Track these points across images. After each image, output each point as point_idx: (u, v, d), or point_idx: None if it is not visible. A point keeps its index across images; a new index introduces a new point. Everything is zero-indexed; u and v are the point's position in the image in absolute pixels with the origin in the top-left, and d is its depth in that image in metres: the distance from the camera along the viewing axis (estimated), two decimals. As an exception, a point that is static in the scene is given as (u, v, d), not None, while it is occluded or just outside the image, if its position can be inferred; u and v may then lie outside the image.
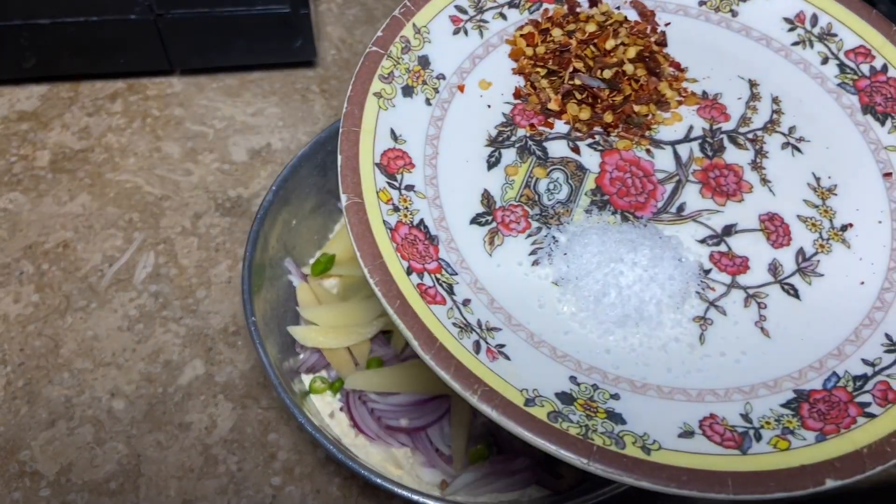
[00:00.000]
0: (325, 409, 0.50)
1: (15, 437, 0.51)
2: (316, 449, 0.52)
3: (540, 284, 0.38)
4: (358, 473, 0.41)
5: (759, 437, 0.34)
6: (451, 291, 0.36)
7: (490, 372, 0.33)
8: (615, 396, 0.35)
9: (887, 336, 0.37)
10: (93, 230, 0.61)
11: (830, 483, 0.32)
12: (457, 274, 0.37)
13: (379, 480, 0.41)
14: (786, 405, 0.35)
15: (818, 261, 0.40)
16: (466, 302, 0.36)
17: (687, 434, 0.34)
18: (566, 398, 0.34)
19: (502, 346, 0.35)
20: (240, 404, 0.53)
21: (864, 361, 0.37)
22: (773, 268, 0.40)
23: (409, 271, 0.35)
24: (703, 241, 0.40)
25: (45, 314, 0.56)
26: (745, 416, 0.35)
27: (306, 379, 0.51)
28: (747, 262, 0.40)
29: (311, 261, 0.55)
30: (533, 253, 0.39)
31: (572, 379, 0.35)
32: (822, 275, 0.39)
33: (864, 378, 0.36)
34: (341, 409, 0.50)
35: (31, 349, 0.55)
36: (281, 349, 0.49)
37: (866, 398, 0.35)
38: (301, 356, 0.51)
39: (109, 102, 0.68)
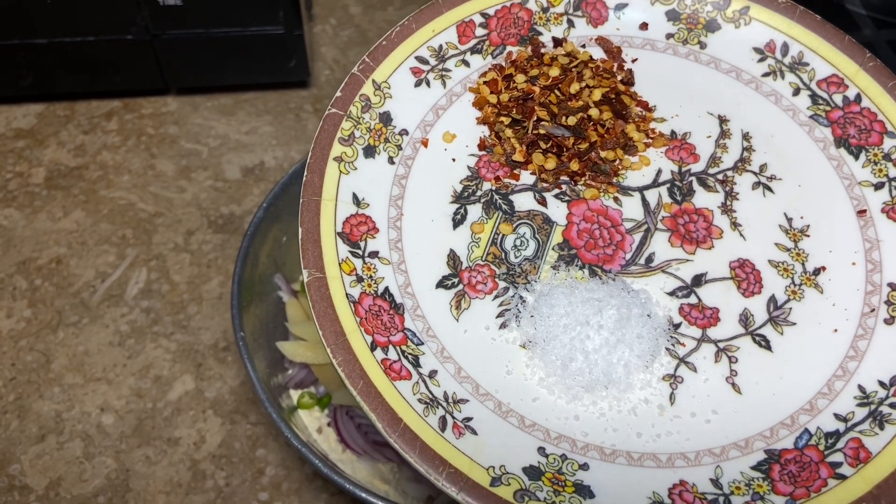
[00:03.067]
0: (313, 425, 0.50)
1: (5, 451, 0.51)
2: (303, 464, 0.52)
3: (507, 349, 0.37)
4: (344, 489, 0.42)
5: None
6: (416, 364, 0.35)
7: (455, 451, 0.33)
8: (584, 466, 0.34)
9: (860, 388, 0.36)
10: (86, 246, 0.61)
11: None
12: (423, 343, 0.36)
13: (365, 495, 0.41)
14: (756, 467, 0.35)
15: (790, 308, 0.38)
16: (433, 374, 0.35)
17: None
18: (534, 473, 0.33)
19: (469, 419, 0.35)
20: (229, 420, 0.53)
21: (837, 416, 0.36)
22: (745, 318, 0.38)
23: (373, 346, 0.35)
24: (672, 294, 0.39)
25: (36, 329, 0.57)
26: (715, 482, 0.34)
27: (294, 394, 0.51)
28: (717, 314, 0.38)
29: (301, 277, 0.56)
30: (500, 315, 0.38)
31: (541, 450, 0.34)
32: (794, 323, 0.38)
33: (837, 435, 0.35)
34: (329, 425, 0.50)
35: (23, 364, 0.55)
36: (270, 364, 0.49)
37: (838, 457, 0.34)
38: (290, 371, 0.52)
39: (105, 121, 0.69)
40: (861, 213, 0.40)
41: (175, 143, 0.68)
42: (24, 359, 0.55)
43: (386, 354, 0.35)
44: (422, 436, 0.33)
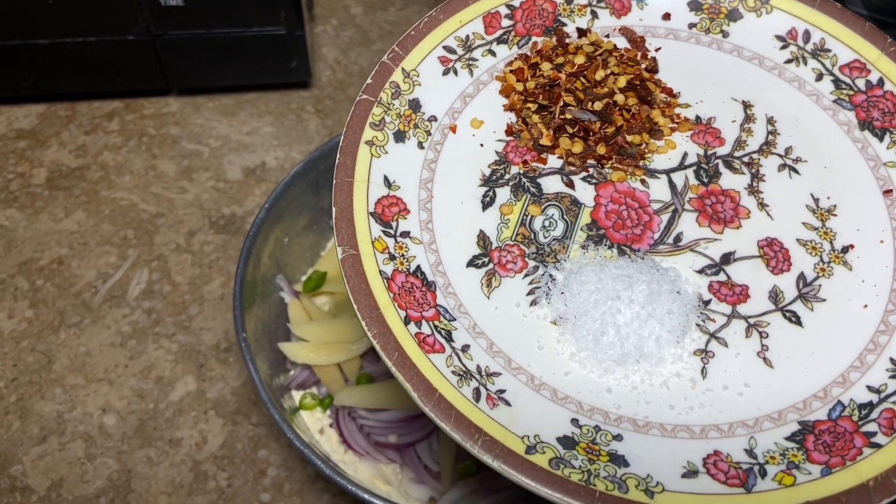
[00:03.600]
0: (315, 426, 0.50)
1: (6, 452, 0.51)
2: (305, 465, 0.52)
3: (538, 325, 0.38)
4: (346, 490, 0.41)
5: (763, 474, 0.33)
6: (449, 338, 0.36)
7: (490, 420, 0.33)
8: (618, 437, 0.34)
9: (892, 361, 0.36)
10: (87, 247, 0.61)
11: None
12: (455, 319, 0.37)
13: (367, 497, 0.41)
14: (791, 438, 0.35)
15: (819, 285, 0.39)
16: (465, 348, 0.36)
17: (691, 473, 0.33)
18: (568, 442, 0.34)
19: (502, 391, 0.35)
20: (230, 420, 0.53)
21: (870, 388, 0.36)
22: (774, 295, 0.39)
23: (406, 321, 0.35)
24: (701, 272, 0.39)
25: (38, 330, 0.57)
26: (750, 452, 0.34)
27: (297, 395, 0.51)
28: (747, 291, 0.39)
29: (303, 278, 0.56)
30: (531, 293, 0.38)
31: (574, 421, 0.35)
32: (823, 299, 0.38)
33: (870, 406, 0.35)
34: (331, 426, 0.50)
35: (24, 365, 0.55)
36: (272, 365, 0.49)
37: (872, 427, 0.35)
38: (292, 372, 0.52)
39: (106, 121, 0.69)
40: (887, 192, 0.41)
41: (176, 144, 0.68)
42: (26, 359, 0.55)
43: (419, 329, 0.35)
44: (456, 405, 0.33)
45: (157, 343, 0.57)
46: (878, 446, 0.34)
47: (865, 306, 0.38)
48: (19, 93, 0.68)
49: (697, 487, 0.33)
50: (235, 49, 0.66)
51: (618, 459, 0.33)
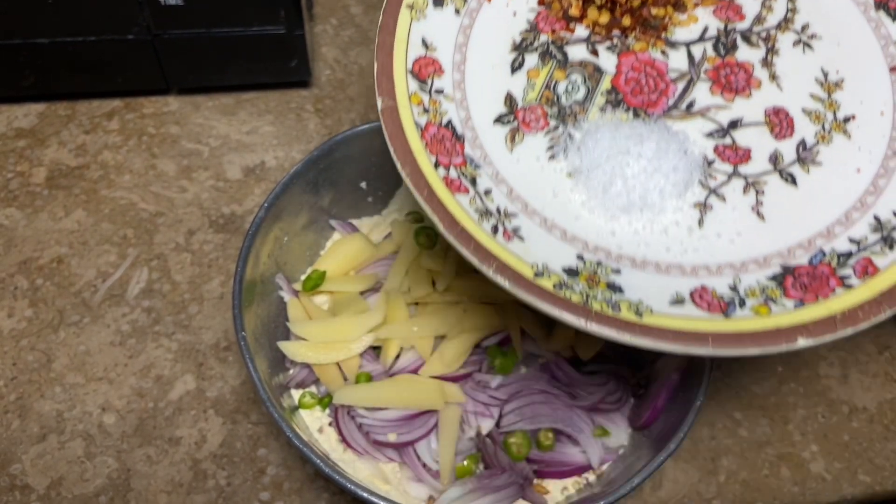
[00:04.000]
0: (315, 425, 0.50)
1: (6, 451, 0.51)
2: (305, 464, 0.52)
3: (555, 177, 0.42)
4: (346, 489, 0.42)
5: (742, 304, 0.37)
6: (474, 183, 0.40)
7: (505, 250, 0.38)
8: (616, 271, 0.39)
9: (876, 218, 0.39)
10: (87, 246, 0.61)
11: (802, 342, 0.35)
12: (480, 167, 0.41)
13: (366, 495, 0.41)
14: (772, 278, 0.38)
15: (818, 151, 0.42)
16: (488, 192, 0.40)
17: (678, 302, 0.37)
18: (572, 272, 0.38)
19: (517, 228, 0.39)
20: (230, 419, 0.53)
21: (851, 240, 0.39)
22: (774, 158, 0.42)
23: (436, 165, 0.39)
24: (709, 135, 0.42)
25: (38, 329, 0.57)
26: (733, 288, 0.38)
27: (296, 394, 0.51)
28: (749, 153, 0.42)
29: (303, 277, 0.56)
30: (550, 148, 0.42)
31: (579, 257, 0.39)
32: (820, 164, 0.41)
33: (849, 255, 0.38)
34: (330, 424, 0.50)
35: (24, 363, 0.55)
36: (271, 364, 0.49)
37: (847, 272, 0.38)
38: (291, 371, 0.52)
39: (106, 120, 0.69)
40: (894, 69, 0.43)
41: (176, 143, 0.68)
42: (26, 358, 0.55)
43: (447, 173, 0.39)
44: (476, 236, 0.37)
45: (157, 342, 0.57)
46: (850, 287, 0.37)
47: (858, 171, 0.41)
48: (19, 92, 0.68)
49: (682, 313, 0.37)
50: (235, 48, 0.66)
51: (614, 287, 0.38)
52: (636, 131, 0.41)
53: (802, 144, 0.42)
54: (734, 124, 0.42)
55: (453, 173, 0.40)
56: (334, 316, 0.52)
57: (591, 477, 0.49)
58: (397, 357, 0.50)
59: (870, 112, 0.42)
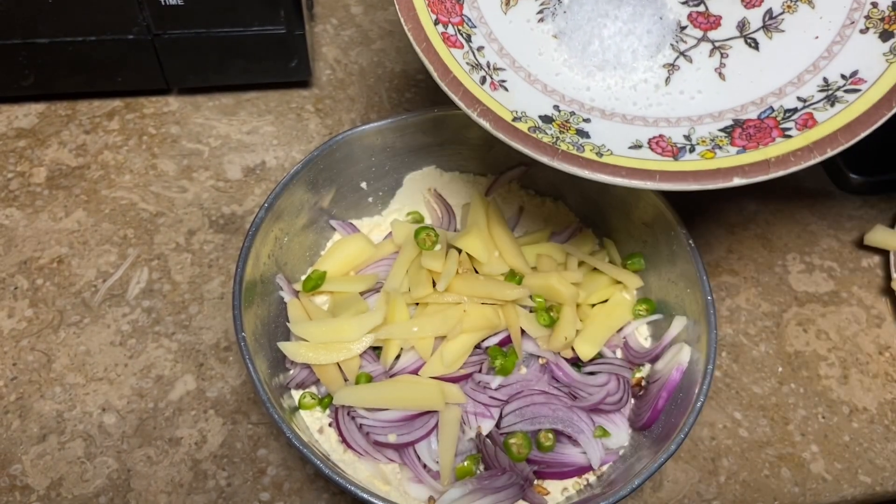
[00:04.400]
0: (315, 425, 0.50)
1: (6, 451, 0.51)
2: (305, 465, 0.52)
3: (542, 37, 0.47)
4: (346, 489, 0.42)
5: (692, 150, 0.42)
6: (468, 39, 0.45)
7: (490, 97, 0.42)
8: (587, 120, 0.44)
9: (825, 79, 0.43)
10: (87, 246, 0.61)
11: (736, 181, 0.39)
12: (475, 27, 0.46)
13: (366, 496, 0.41)
14: (723, 130, 0.43)
15: (783, 19, 0.45)
16: (480, 48, 0.45)
17: (636, 147, 0.42)
18: (547, 119, 0.43)
19: (504, 80, 0.44)
20: (230, 420, 0.53)
21: (799, 98, 0.43)
22: (742, 24, 0.46)
23: (436, 22, 0.44)
24: (685, 3, 0.47)
25: (38, 329, 0.57)
26: (687, 137, 0.43)
27: (296, 394, 0.51)
28: (720, 20, 0.46)
29: (303, 277, 0.56)
30: (540, 12, 0.47)
31: (555, 107, 0.44)
32: (783, 31, 0.45)
33: (794, 111, 0.42)
34: (330, 425, 0.50)
35: (24, 364, 0.55)
36: (271, 365, 0.49)
37: (789, 125, 0.41)
38: (291, 372, 0.52)
39: (106, 120, 0.69)
40: None
41: (176, 143, 0.68)
42: (26, 358, 0.55)
43: (445, 30, 0.44)
44: (465, 84, 0.42)
45: (157, 342, 0.57)
46: (788, 137, 0.41)
47: (816, 38, 0.44)
48: (19, 92, 0.68)
49: (638, 155, 0.41)
50: (235, 48, 0.66)
51: (582, 133, 0.43)
52: None
53: (769, 13, 0.46)
54: None
55: (451, 30, 0.44)
56: (334, 316, 0.52)
57: (591, 478, 0.49)
58: (397, 358, 0.50)
59: None
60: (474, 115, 0.42)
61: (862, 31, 0.43)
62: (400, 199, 0.60)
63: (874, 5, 0.43)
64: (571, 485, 0.49)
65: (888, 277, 0.63)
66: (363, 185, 0.58)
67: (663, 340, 0.51)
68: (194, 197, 0.65)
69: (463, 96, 0.42)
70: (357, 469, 0.48)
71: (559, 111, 0.44)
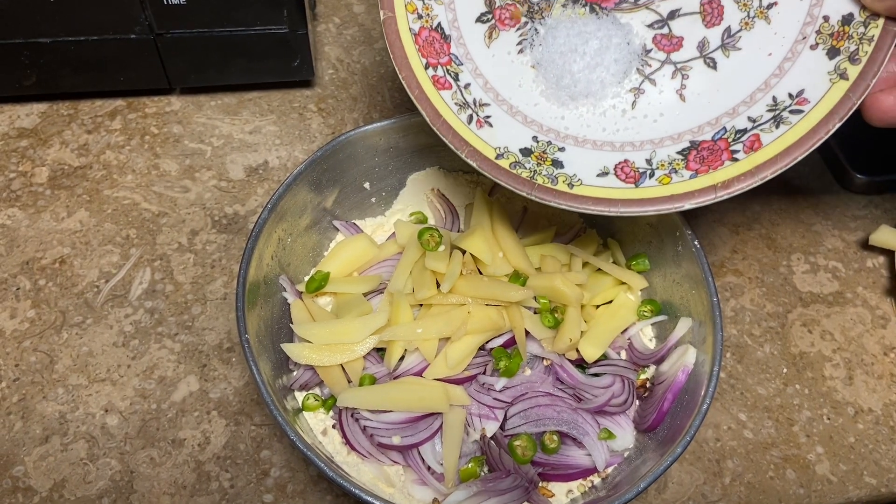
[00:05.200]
0: (318, 427, 0.50)
1: (9, 453, 0.51)
2: (308, 466, 0.52)
3: (521, 68, 0.50)
4: (349, 491, 0.41)
5: (651, 175, 0.45)
6: (456, 78, 0.48)
7: (476, 137, 0.47)
8: (561, 149, 0.47)
9: (774, 98, 0.44)
10: (90, 246, 0.61)
11: (688, 206, 0.43)
12: (462, 64, 0.49)
13: (370, 499, 0.41)
14: (680, 152, 0.46)
15: (740, 36, 0.46)
16: (467, 85, 0.48)
17: (603, 174, 0.46)
18: (526, 152, 0.47)
19: (488, 116, 0.48)
20: (233, 421, 0.53)
21: (749, 118, 0.44)
22: (702, 45, 0.48)
23: (426, 66, 0.47)
24: (650, 26, 0.49)
25: (40, 330, 0.57)
26: (649, 161, 0.46)
27: (299, 396, 0.51)
28: (682, 42, 0.48)
29: (306, 278, 0.56)
30: (519, 43, 0.50)
31: (534, 138, 0.48)
32: (740, 49, 0.46)
33: (744, 131, 0.44)
34: (334, 427, 0.50)
35: (27, 364, 0.55)
36: (274, 366, 0.49)
37: (738, 147, 0.44)
38: (294, 373, 0.51)
39: (109, 120, 0.69)
40: None
41: (179, 143, 0.68)
42: (28, 359, 0.55)
43: (435, 72, 0.48)
44: (454, 126, 0.46)
45: (160, 343, 0.56)
46: (735, 161, 0.43)
47: (770, 54, 0.45)
48: (21, 91, 0.68)
49: (604, 183, 0.45)
50: (238, 48, 0.65)
51: (557, 164, 0.47)
52: (586, 29, 0.48)
53: (727, 31, 0.47)
54: (672, 14, 0.48)
55: (440, 71, 0.48)
56: (338, 318, 0.52)
57: (596, 480, 0.49)
58: (401, 359, 0.50)
59: None
60: (462, 155, 0.46)
61: (812, 48, 0.44)
62: (403, 200, 0.60)
63: (826, 19, 0.43)
64: (576, 487, 0.48)
65: (893, 278, 0.63)
66: (366, 185, 0.58)
67: (668, 342, 0.51)
68: (197, 197, 0.64)
69: (453, 138, 0.46)
70: (361, 471, 0.48)
71: (537, 142, 0.48)
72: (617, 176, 0.46)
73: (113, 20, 0.62)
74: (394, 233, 0.57)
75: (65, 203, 0.63)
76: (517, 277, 0.53)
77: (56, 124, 0.68)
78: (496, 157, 0.46)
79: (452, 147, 0.46)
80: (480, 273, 0.54)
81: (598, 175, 0.46)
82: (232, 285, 0.59)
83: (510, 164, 0.46)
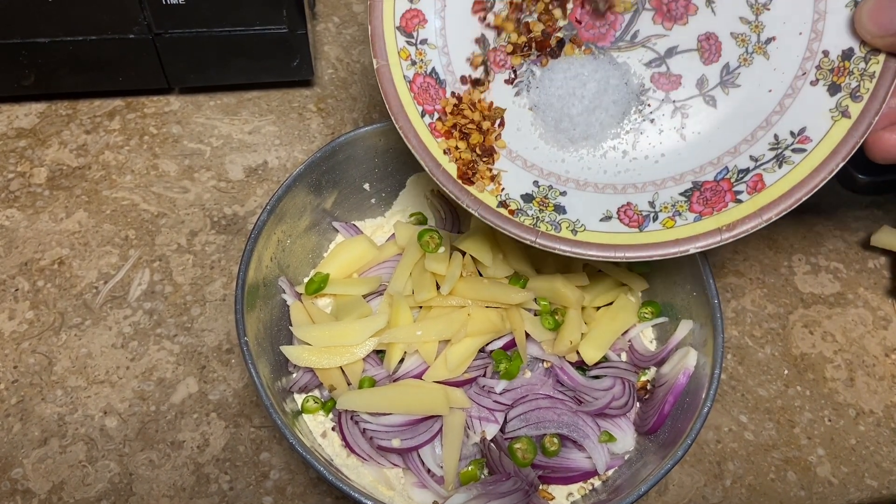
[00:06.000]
0: (318, 429, 0.50)
1: (7, 455, 0.51)
2: (308, 469, 0.52)
3: (519, 111, 0.49)
4: (349, 495, 0.41)
5: (655, 219, 0.44)
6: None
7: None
8: (563, 193, 0.47)
9: (776, 136, 0.43)
10: (88, 247, 0.61)
11: (693, 250, 0.42)
12: None
13: (370, 502, 0.41)
14: (683, 193, 0.45)
15: (739, 73, 0.45)
16: None
17: (606, 218, 0.45)
18: (528, 198, 0.46)
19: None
20: (232, 423, 0.53)
21: (751, 157, 0.44)
22: (701, 82, 0.46)
23: (423, 114, 0.46)
24: (648, 65, 0.47)
25: (39, 331, 0.57)
26: (652, 203, 0.45)
27: (299, 398, 0.51)
28: (680, 80, 0.47)
29: (305, 280, 0.55)
30: (516, 85, 0.49)
31: (535, 182, 0.47)
32: (739, 85, 0.46)
33: (746, 171, 0.44)
34: (333, 429, 0.50)
35: (25, 366, 0.55)
36: (274, 368, 0.49)
37: (741, 188, 0.43)
38: (294, 375, 0.51)
39: (107, 120, 0.69)
40: None
41: (178, 143, 0.68)
42: (27, 361, 0.55)
43: (432, 119, 0.47)
44: (454, 175, 0.45)
45: (159, 344, 0.56)
46: (739, 202, 0.43)
47: (770, 91, 0.44)
48: (20, 91, 0.67)
49: (607, 228, 0.45)
50: (237, 47, 0.65)
51: (559, 209, 0.46)
52: (583, 71, 0.47)
53: (726, 68, 0.46)
54: (670, 52, 0.47)
55: (436, 118, 0.47)
56: (337, 320, 0.52)
57: (596, 483, 0.49)
58: (401, 361, 0.50)
59: (790, 32, 0.44)
60: (464, 205, 0.45)
61: (812, 83, 0.43)
62: (403, 201, 0.60)
63: (825, 54, 0.42)
64: (577, 490, 0.48)
65: (894, 278, 0.63)
66: (366, 186, 0.58)
67: (669, 344, 0.51)
68: (196, 197, 0.64)
69: (454, 187, 0.45)
70: (360, 474, 0.48)
71: (538, 186, 0.47)
72: (620, 220, 0.45)
73: (111, 20, 0.61)
74: (393, 234, 0.57)
75: (63, 204, 0.63)
76: (517, 279, 0.53)
77: (54, 124, 0.68)
78: (497, 206, 0.45)
79: (453, 197, 0.45)
80: (480, 275, 0.53)
81: (601, 220, 0.45)
82: (231, 286, 0.59)
83: (511, 211, 0.45)
